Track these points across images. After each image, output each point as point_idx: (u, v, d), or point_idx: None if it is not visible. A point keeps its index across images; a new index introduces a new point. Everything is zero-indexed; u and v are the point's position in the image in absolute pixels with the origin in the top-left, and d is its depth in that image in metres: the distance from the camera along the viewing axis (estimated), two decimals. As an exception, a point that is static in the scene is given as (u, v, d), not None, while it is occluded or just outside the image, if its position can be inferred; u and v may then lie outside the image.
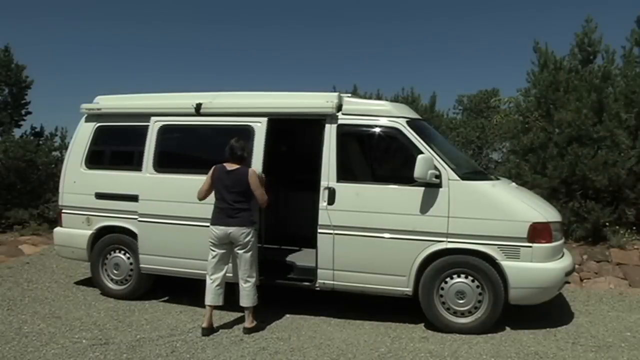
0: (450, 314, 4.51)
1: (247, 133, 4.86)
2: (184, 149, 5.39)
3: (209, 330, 4.43)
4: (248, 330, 4.46)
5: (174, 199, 5.01)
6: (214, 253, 4.50)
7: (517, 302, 4.44)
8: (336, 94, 4.86)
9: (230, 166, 4.47)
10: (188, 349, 4.11)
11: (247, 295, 4.49)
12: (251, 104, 5.04)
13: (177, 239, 5.02)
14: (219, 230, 4.44)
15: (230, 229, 4.41)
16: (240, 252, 4.48)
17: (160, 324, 4.70)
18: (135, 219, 5.17)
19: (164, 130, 5.24)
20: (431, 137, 4.87)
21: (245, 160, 4.56)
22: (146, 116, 5.28)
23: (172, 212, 5.01)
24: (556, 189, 7.35)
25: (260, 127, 4.88)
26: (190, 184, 4.77)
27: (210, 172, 4.52)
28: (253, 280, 4.53)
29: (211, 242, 4.50)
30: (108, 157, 5.67)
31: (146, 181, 5.17)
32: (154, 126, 5.24)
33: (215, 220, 4.47)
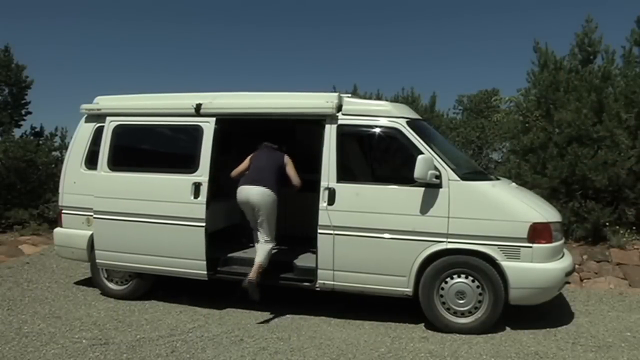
0: (450, 314, 4.52)
1: (198, 132, 5.04)
2: (138, 148, 5.56)
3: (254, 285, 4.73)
4: (248, 282, 4.68)
5: (127, 196, 5.14)
6: (251, 220, 5.07)
7: (518, 302, 4.44)
8: (336, 94, 4.86)
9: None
10: (188, 349, 4.11)
11: (262, 252, 4.86)
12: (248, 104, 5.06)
13: (130, 235, 5.14)
14: (242, 190, 4.93)
15: (252, 190, 4.87)
16: (259, 214, 4.90)
17: (160, 324, 4.70)
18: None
19: (118, 130, 5.33)
20: (431, 137, 4.87)
21: (281, 150, 5.15)
22: (146, 116, 5.29)
23: (126, 209, 5.12)
24: (556, 189, 7.35)
25: (209, 126, 5.03)
26: (142, 182, 5.13)
27: (250, 155, 5.10)
28: (271, 243, 4.94)
29: (242, 209, 5.05)
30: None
31: (100, 180, 5.26)
32: (108, 126, 5.35)
33: (241, 182, 4.98)
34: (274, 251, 5.34)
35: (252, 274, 4.73)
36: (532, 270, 4.32)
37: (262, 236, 4.93)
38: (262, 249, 4.88)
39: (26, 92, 11.37)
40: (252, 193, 4.87)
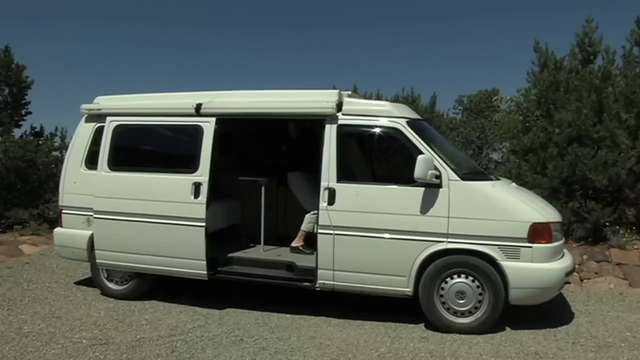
0: (450, 314, 4.51)
1: (198, 132, 5.01)
2: (138, 148, 5.58)
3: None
4: (292, 249, 5.37)
5: (127, 196, 5.14)
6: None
7: (518, 302, 4.44)
8: (336, 91, 4.85)
9: None
10: (188, 349, 4.11)
11: (305, 220, 5.38)
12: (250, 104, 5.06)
13: (130, 235, 5.14)
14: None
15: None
16: None
17: (160, 324, 4.70)
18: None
19: (118, 130, 5.33)
20: (431, 138, 4.87)
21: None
22: (146, 116, 5.29)
23: (126, 209, 5.12)
24: (556, 189, 7.34)
25: (209, 126, 5.00)
26: (143, 182, 5.12)
27: None
28: (310, 211, 5.29)
29: None
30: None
31: (100, 180, 5.25)
32: (109, 126, 5.35)
33: None
34: (273, 252, 5.39)
35: (296, 239, 5.42)
36: (532, 270, 4.32)
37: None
38: (306, 219, 5.41)
39: (26, 92, 11.34)
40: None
